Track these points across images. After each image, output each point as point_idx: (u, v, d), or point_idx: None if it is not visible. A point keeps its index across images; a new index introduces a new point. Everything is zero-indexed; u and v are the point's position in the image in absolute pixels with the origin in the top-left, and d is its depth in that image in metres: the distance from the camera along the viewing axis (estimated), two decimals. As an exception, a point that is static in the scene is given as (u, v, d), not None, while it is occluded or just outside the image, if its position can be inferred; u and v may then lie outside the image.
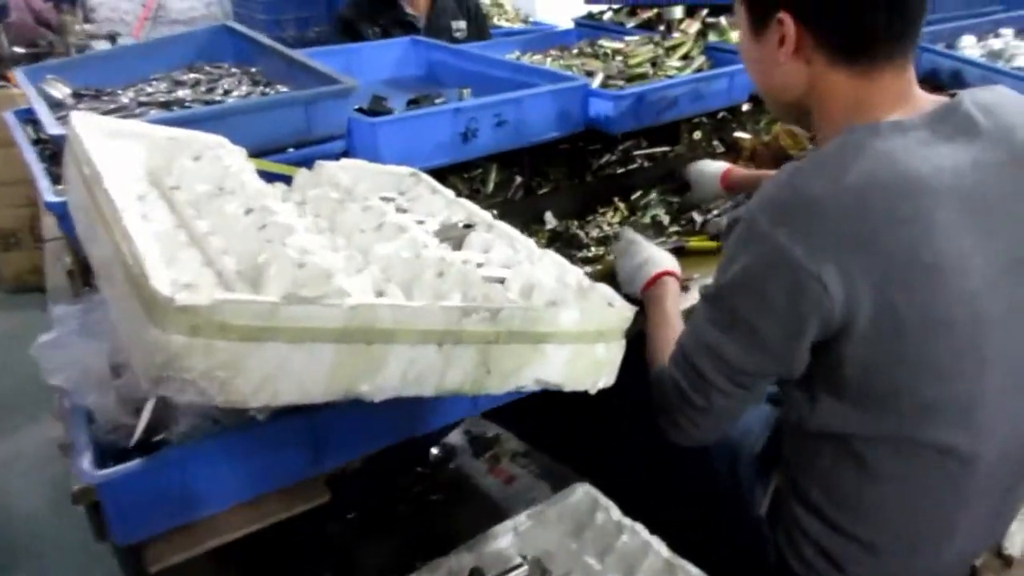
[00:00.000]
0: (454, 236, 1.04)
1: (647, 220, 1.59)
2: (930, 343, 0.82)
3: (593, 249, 1.48)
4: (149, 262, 0.58)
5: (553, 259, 0.98)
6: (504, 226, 1.07)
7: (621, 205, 1.62)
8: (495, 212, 1.47)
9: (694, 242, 1.46)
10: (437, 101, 1.53)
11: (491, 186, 1.57)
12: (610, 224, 1.58)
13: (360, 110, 1.47)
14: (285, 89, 1.32)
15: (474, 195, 1.56)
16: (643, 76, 1.67)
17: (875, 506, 0.90)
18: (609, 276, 1.37)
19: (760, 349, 0.86)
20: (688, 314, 1.13)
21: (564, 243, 1.49)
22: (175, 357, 0.56)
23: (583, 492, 1.00)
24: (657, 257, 1.22)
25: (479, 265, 0.98)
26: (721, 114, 1.82)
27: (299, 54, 1.38)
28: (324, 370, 0.63)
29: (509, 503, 1.27)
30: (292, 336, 0.60)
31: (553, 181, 1.62)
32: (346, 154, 1.24)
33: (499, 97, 1.35)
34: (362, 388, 0.67)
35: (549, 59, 1.82)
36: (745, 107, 1.84)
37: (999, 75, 1.70)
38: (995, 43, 1.95)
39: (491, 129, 1.36)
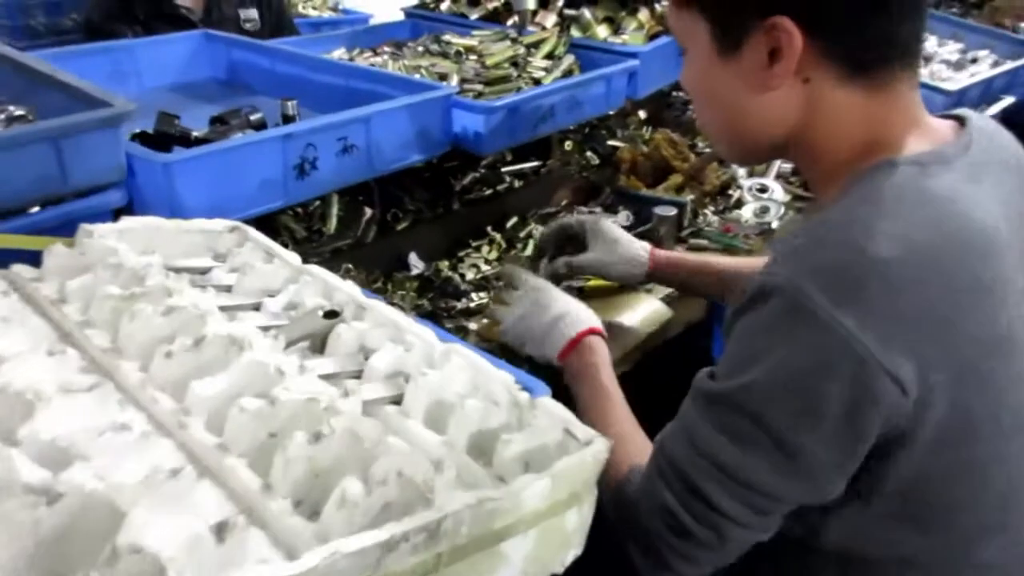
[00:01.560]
0: (311, 332, 0.71)
1: (529, 252, 1.33)
2: (1003, 447, 0.63)
3: (475, 297, 1.19)
4: None
5: (464, 356, 0.68)
6: (381, 306, 0.75)
7: (496, 236, 1.35)
8: (348, 267, 1.15)
9: (593, 281, 1.22)
10: (252, 118, 1.16)
11: (334, 224, 1.24)
12: (487, 261, 1.30)
13: (142, 136, 1.07)
14: (20, 112, 0.90)
15: (313, 237, 1.22)
16: (505, 79, 1.40)
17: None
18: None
19: (800, 472, 0.63)
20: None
21: (438, 292, 1.19)
22: None
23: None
24: (574, 310, 0.95)
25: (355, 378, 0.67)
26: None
27: (36, 59, 0.95)
28: None
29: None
30: None
31: (412, 212, 1.31)
32: (128, 210, 0.85)
33: (343, 115, 1.02)
34: None
35: (387, 59, 1.49)
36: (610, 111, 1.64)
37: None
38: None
39: (334, 158, 1.03)
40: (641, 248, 1.12)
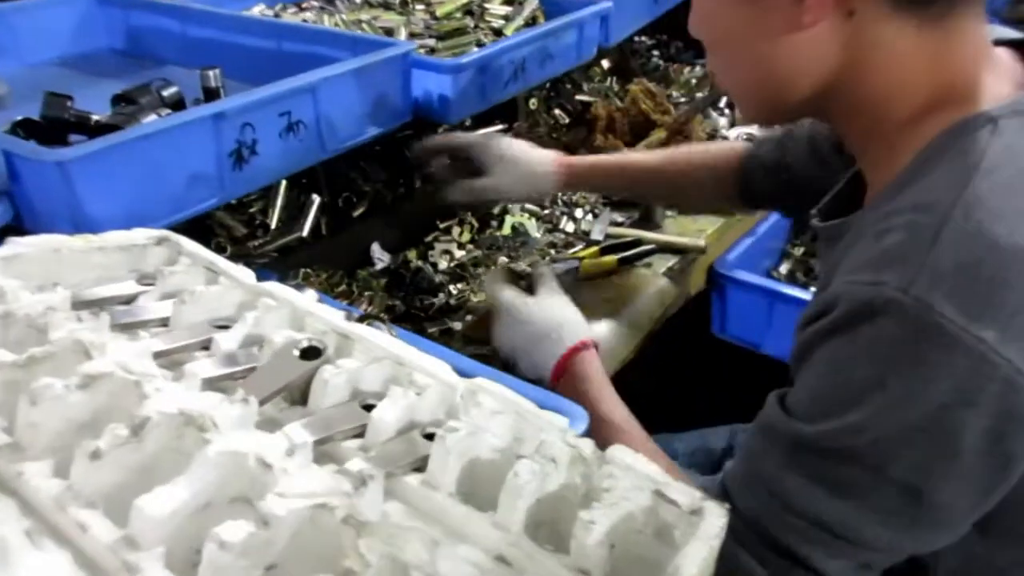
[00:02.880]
0: (288, 383, 0.54)
1: (507, 231, 1.17)
2: None
3: (453, 290, 1.02)
4: None
5: (497, 396, 0.52)
6: (373, 334, 0.58)
7: (467, 214, 1.17)
8: (308, 271, 0.96)
9: (588, 261, 1.07)
10: (166, 94, 0.95)
11: (276, 218, 1.04)
12: (461, 245, 1.13)
13: (27, 125, 0.85)
14: None
15: (256, 233, 1.02)
16: (460, 31, 1.21)
17: None
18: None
19: (927, 522, 0.52)
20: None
21: (411, 288, 1.02)
22: None
23: None
24: (570, 318, 0.81)
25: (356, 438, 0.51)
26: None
27: None
28: None
29: None
30: None
31: (368, 196, 1.12)
32: (16, 228, 0.65)
33: (285, 85, 0.83)
34: None
35: (319, 13, 1.27)
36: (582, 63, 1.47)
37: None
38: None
39: (278, 138, 0.83)
40: (545, 163, 0.99)
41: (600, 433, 0.73)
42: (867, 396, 0.50)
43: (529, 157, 0.99)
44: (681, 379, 0.99)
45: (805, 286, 1.30)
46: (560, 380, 0.78)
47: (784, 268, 1.35)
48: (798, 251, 1.36)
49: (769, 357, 1.22)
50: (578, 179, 1.01)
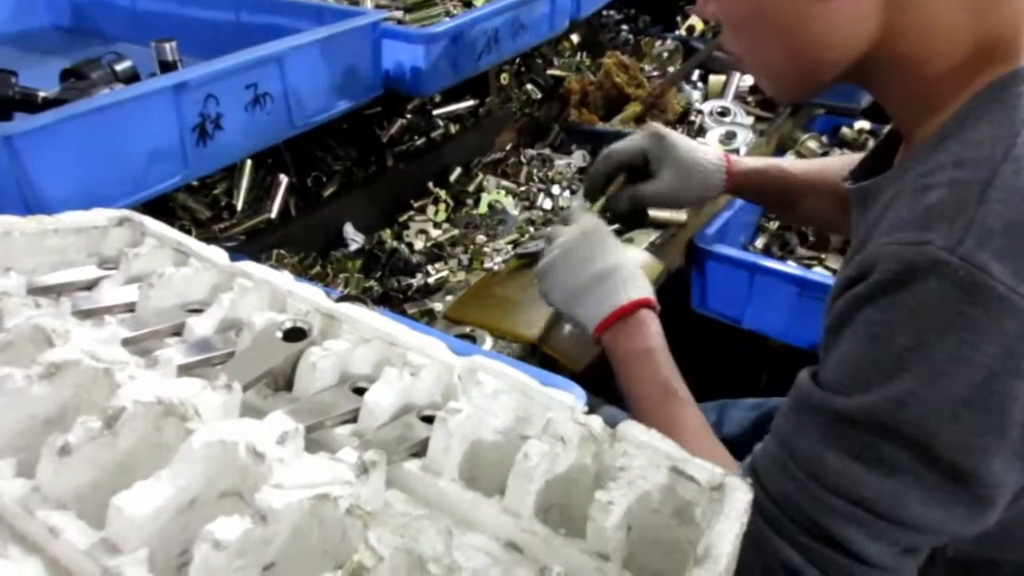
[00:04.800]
0: (272, 367, 0.50)
1: (483, 209, 1.14)
2: None
3: (431, 270, 0.99)
4: None
5: (498, 375, 0.49)
6: (358, 312, 0.55)
7: (441, 193, 1.13)
8: (281, 252, 0.92)
9: (570, 236, 1.04)
10: (119, 68, 0.90)
11: (243, 199, 0.99)
12: (436, 224, 1.09)
13: (-32, 102, 0.79)
14: None
15: (221, 216, 0.97)
16: (429, 3, 1.16)
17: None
18: (467, 308, 0.91)
19: (971, 499, 0.48)
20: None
21: (388, 269, 0.98)
22: None
23: None
24: (627, 269, 0.74)
25: (349, 423, 0.47)
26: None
27: None
28: None
29: None
30: None
31: (339, 175, 1.07)
32: (-41, 209, 0.59)
33: (249, 54, 0.78)
34: None
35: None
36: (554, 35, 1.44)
37: None
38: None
39: (244, 112, 0.79)
40: (716, 167, 0.90)
41: (654, 397, 0.68)
42: (910, 364, 0.47)
43: (704, 168, 0.89)
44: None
45: (782, 259, 1.29)
46: (610, 331, 0.71)
47: (760, 242, 1.34)
48: (773, 225, 1.36)
49: (749, 332, 1.21)
50: (743, 177, 0.92)
